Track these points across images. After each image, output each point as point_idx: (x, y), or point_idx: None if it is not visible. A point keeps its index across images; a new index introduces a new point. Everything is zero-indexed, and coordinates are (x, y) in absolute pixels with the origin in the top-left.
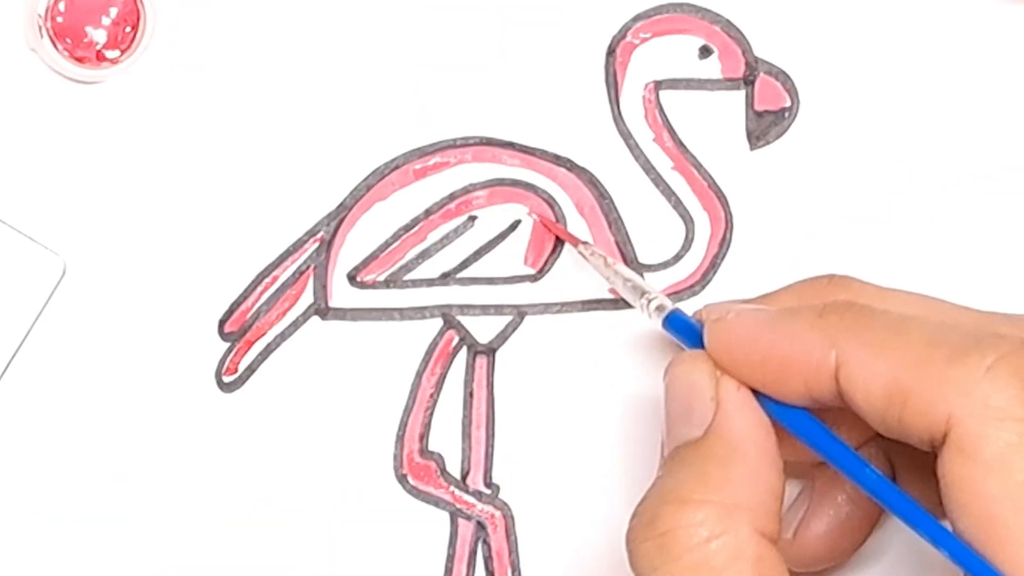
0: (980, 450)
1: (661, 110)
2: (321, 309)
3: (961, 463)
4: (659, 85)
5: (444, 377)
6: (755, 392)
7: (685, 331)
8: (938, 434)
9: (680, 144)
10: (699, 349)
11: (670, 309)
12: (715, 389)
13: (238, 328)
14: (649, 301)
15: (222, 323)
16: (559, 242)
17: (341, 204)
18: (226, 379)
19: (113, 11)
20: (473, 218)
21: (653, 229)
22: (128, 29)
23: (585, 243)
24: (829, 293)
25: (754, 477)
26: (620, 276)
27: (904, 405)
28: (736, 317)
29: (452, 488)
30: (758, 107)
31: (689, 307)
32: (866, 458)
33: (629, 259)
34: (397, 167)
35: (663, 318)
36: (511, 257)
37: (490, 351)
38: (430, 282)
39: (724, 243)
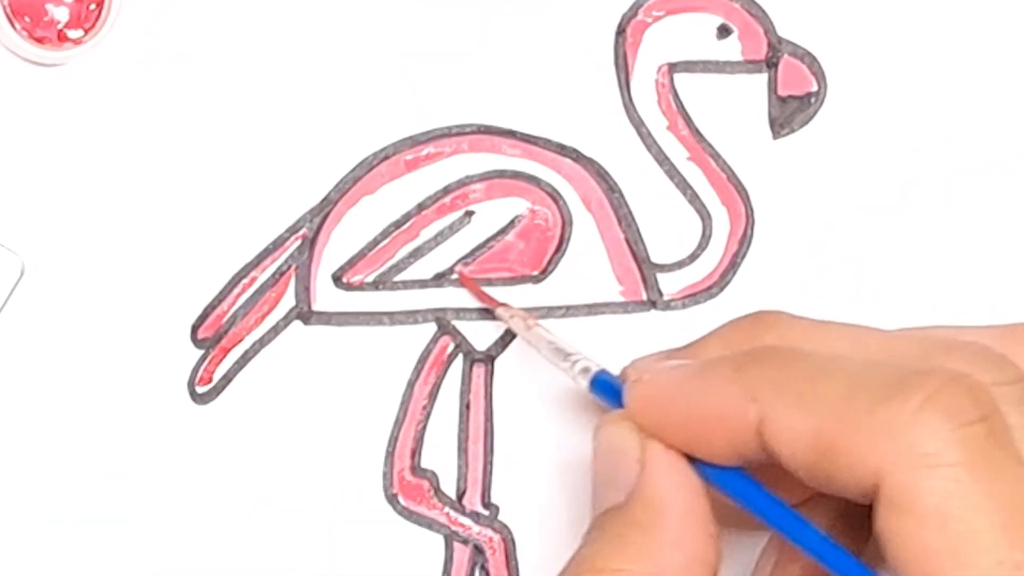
0: (913, 503)
1: (675, 95)
2: (303, 313)
3: (895, 518)
4: (673, 68)
5: (438, 387)
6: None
7: (612, 394)
8: (869, 488)
9: (696, 132)
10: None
11: (595, 372)
12: (641, 451)
13: (213, 334)
14: (574, 364)
15: (195, 328)
16: (564, 240)
17: (325, 198)
18: (199, 389)
19: None
20: (470, 213)
21: (667, 226)
22: (92, 7)
23: (504, 305)
24: (754, 336)
25: (679, 544)
26: (542, 339)
27: (832, 460)
28: (653, 377)
29: (447, 509)
30: (782, 92)
31: (706, 311)
32: (812, 514)
33: (641, 259)
34: (387, 158)
35: (588, 381)
36: (511, 256)
37: (488, 359)
38: (423, 283)
39: (744, 241)
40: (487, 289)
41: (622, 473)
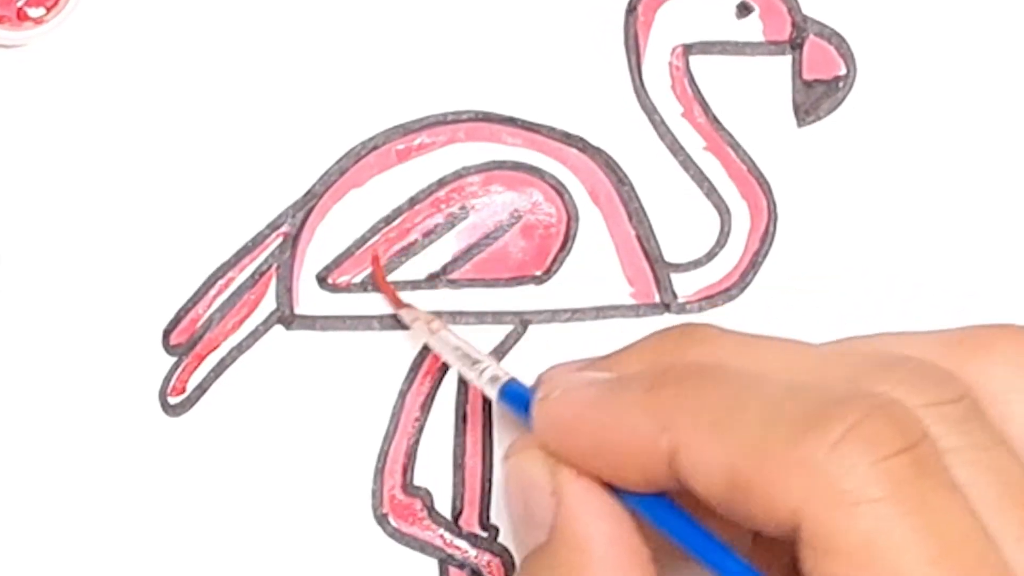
0: (837, 544)
1: (691, 79)
2: (285, 317)
3: (819, 560)
4: (689, 50)
5: (432, 398)
6: None
7: (523, 406)
8: (789, 528)
9: (714, 120)
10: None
11: (504, 380)
12: (553, 482)
13: (186, 340)
14: (482, 372)
15: (167, 334)
16: (569, 237)
17: (309, 192)
18: (172, 400)
19: None
20: (467, 208)
21: (682, 221)
22: None
23: (408, 306)
24: (678, 351)
25: None
26: (447, 344)
27: (747, 497)
28: (562, 395)
29: (441, 531)
30: (807, 75)
31: (724, 314)
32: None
33: (653, 257)
34: (376, 147)
35: (497, 391)
36: (512, 255)
37: None
38: (415, 284)
39: (766, 237)
40: (483, 292)
41: (538, 508)
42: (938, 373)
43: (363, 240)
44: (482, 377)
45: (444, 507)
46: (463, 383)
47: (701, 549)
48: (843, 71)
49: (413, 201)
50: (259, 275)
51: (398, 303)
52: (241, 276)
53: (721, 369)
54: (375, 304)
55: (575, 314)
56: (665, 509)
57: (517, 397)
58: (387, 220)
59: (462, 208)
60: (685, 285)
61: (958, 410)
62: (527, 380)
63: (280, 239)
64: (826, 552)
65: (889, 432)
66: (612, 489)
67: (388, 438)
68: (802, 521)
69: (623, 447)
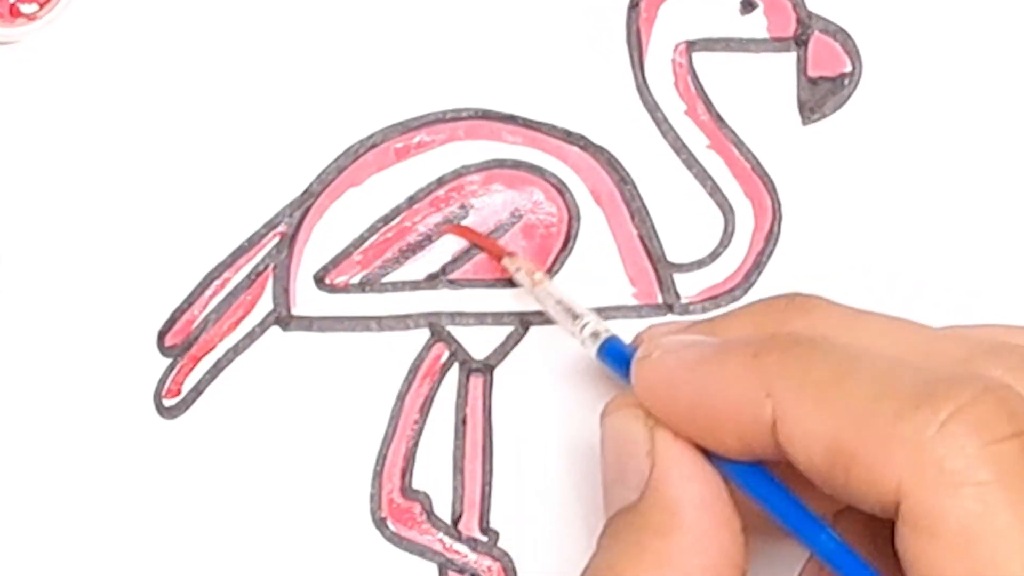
0: (937, 525)
1: (694, 76)
2: (282, 318)
3: (917, 539)
4: (692, 46)
5: (431, 400)
6: None
7: (622, 364)
8: (889, 504)
9: (717, 118)
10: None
11: (605, 337)
12: (651, 442)
13: (181, 341)
14: (583, 327)
15: (162, 335)
16: (570, 237)
17: (306, 191)
18: (167, 402)
19: None
20: (466, 207)
21: (684, 221)
22: None
23: (511, 253)
24: (784, 320)
25: (700, 548)
26: (550, 296)
27: (849, 471)
28: (662, 355)
29: (441, 535)
30: (812, 73)
31: None
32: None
33: (656, 258)
34: (374, 146)
35: (597, 348)
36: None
37: (487, 369)
38: (414, 285)
39: (770, 237)
40: (483, 293)
41: (632, 468)
42: None
43: (361, 240)
44: (583, 332)
45: (443, 511)
46: (463, 386)
47: (794, 521)
48: (848, 68)
49: (412, 200)
50: (255, 275)
51: (500, 251)
52: (237, 276)
53: (828, 340)
54: (373, 305)
55: None
56: (760, 479)
57: (617, 355)
58: (386, 219)
59: (462, 207)
60: (688, 286)
61: None
62: (529, 386)
63: (277, 239)
64: (925, 531)
65: (1000, 416)
66: (708, 456)
67: (386, 441)
68: (903, 499)
69: (724, 411)
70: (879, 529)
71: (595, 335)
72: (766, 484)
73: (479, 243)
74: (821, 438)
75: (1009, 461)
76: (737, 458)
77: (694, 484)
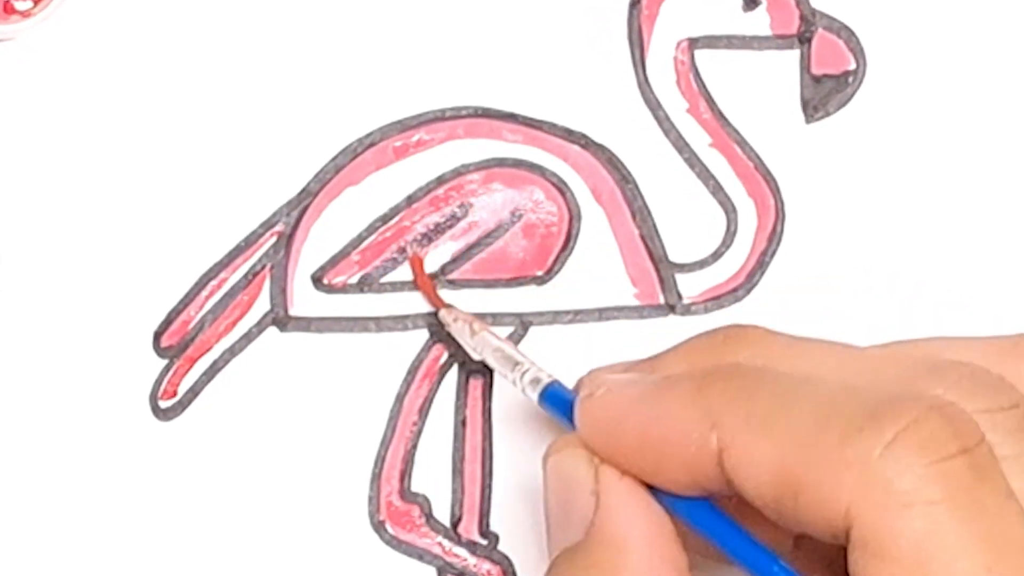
0: (888, 547)
1: (697, 74)
2: (279, 318)
3: (869, 563)
4: (694, 43)
5: (430, 402)
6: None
7: (565, 409)
8: (840, 530)
9: (720, 116)
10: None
11: (546, 383)
12: (595, 481)
13: (177, 342)
14: (523, 374)
15: (158, 336)
16: (571, 236)
17: (304, 190)
18: (163, 404)
19: None
20: (466, 206)
21: (687, 220)
22: None
23: (448, 306)
24: (724, 353)
25: None
26: (488, 345)
27: (798, 497)
28: (605, 394)
29: (440, 538)
30: (816, 70)
31: (730, 316)
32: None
33: (657, 257)
34: (373, 144)
35: (538, 393)
36: (512, 254)
37: (486, 370)
38: (413, 286)
39: (773, 237)
40: (483, 293)
41: (577, 507)
42: (992, 379)
43: (359, 239)
44: (523, 379)
45: (442, 514)
46: (462, 387)
47: (744, 554)
48: (852, 66)
49: (411, 199)
50: (252, 275)
51: (438, 303)
52: (234, 276)
53: (770, 369)
54: (371, 305)
55: (577, 315)
56: (708, 513)
57: (559, 400)
58: (384, 219)
59: (461, 207)
60: (690, 286)
61: (1012, 418)
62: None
63: (274, 238)
64: (877, 554)
65: (946, 433)
66: (654, 493)
67: (385, 443)
68: (853, 522)
69: (670, 445)
70: (835, 557)
71: (535, 381)
72: (714, 518)
73: (421, 286)
74: (768, 467)
75: (957, 478)
76: (684, 493)
77: (640, 522)
